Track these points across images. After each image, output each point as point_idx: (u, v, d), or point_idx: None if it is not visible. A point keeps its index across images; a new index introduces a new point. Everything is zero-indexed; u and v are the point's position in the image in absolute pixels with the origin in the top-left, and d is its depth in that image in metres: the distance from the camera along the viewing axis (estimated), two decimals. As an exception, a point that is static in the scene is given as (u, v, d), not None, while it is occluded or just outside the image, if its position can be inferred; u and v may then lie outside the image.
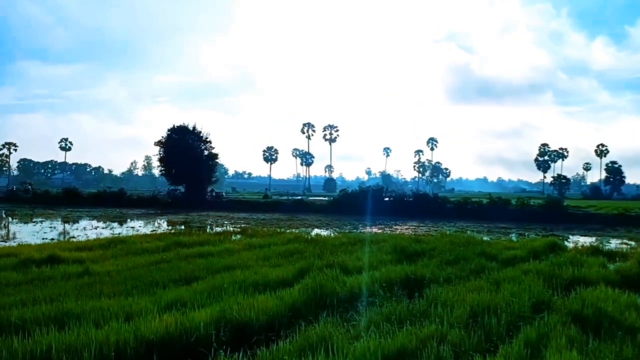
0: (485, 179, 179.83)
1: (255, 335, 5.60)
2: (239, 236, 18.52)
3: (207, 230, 24.13)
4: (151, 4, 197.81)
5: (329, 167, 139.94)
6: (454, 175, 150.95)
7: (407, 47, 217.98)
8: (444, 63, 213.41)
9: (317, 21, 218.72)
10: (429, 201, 39.55)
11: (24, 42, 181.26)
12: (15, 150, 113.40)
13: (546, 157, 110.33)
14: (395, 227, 26.60)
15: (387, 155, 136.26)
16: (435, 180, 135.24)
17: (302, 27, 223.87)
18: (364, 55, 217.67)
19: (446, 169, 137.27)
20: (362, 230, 23.69)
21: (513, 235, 24.35)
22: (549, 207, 35.98)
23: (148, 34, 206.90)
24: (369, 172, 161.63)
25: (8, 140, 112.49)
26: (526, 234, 24.84)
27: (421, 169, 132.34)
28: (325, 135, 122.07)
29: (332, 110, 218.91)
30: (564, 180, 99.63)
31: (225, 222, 29.64)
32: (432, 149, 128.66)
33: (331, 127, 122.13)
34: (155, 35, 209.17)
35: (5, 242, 18.84)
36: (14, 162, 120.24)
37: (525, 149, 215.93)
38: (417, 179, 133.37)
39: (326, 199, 50.84)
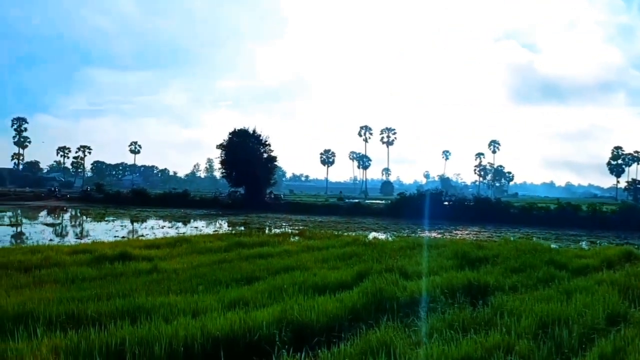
0: (552, 184, 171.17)
1: (316, 337, 5.64)
2: (297, 238, 18.77)
3: (266, 231, 24.63)
4: (209, 11, 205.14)
5: (386, 170, 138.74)
6: (517, 180, 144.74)
7: (466, 46, 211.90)
8: (505, 62, 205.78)
9: (372, 23, 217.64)
10: (491, 206, 38.25)
11: (93, 51, 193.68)
12: (90, 152, 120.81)
13: (619, 161, 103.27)
14: (455, 232, 25.92)
15: (446, 159, 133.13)
16: (497, 185, 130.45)
17: (356, 29, 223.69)
18: (421, 56, 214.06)
19: (509, 172, 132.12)
20: (421, 235, 23.28)
21: (583, 243, 23.04)
22: (623, 213, 33.74)
23: (208, 40, 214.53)
24: (427, 176, 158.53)
25: (83, 144, 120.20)
26: (598, 242, 23.41)
27: (482, 173, 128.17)
28: (382, 138, 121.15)
29: (389, 113, 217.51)
30: (639, 185, 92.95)
31: (284, 224, 30.10)
32: (494, 151, 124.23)
33: (389, 129, 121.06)
34: (215, 42, 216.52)
35: (81, 239, 20.16)
36: (88, 164, 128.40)
37: (595, 152, 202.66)
38: (477, 183, 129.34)
39: (383, 202, 50.41)
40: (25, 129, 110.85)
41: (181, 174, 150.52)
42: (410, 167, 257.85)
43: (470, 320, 6.24)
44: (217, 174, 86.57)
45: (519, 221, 33.86)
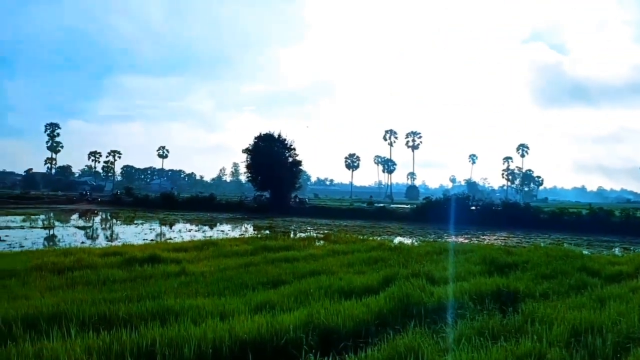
0: (583, 188, 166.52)
1: (343, 341, 5.63)
2: (322, 242, 18.78)
3: (291, 235, 24.72)
4: (233, 17, 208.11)
5: (412, 175, 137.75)
6: (547, 184, 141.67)
7: (492, 48, 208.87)
8: (533, 64, 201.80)
9: (396, 25, 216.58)
10: (520, 211, 37.49)
11: (121, 58, 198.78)
12: (120, 157, 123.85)
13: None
14: (482, 238, 25.49)
15: (473, 163, 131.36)
16: (525, 189, 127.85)
17: (381, 32, 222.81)
18: (447, 59, 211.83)
19: (538, 177, 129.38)
20: (447, 240, 22.98)
21: (617, 249, 22.35)
22: (659, 219, 32.57)
23: (232, 46, 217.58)
24: (453, 180, 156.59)
25: (113, 148, 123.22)
26: (632, 248, 22.66)
27: (510, 177, 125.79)
28: (407, 142, 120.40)
29: (415, 117, 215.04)
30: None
31: (309, 228, 30.16)
32: (522, 155, 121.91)
33: (414, 133, 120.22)
34: (239, 47, 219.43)
35: (111, 242, 20.63)
36: (118, 168, 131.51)
37: (627, 155, 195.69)
38: (505, 188, 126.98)
39: (409, 206, 50.00)
40: (58, 134, 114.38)
41: (207, 178, 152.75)
42: (436, 171, 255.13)
43: (500, 327, 6.12)
44: (243, 178, 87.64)
45: (549, 227, 33.08)
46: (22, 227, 26.46)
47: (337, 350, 5.39)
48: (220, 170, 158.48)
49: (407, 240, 21.67)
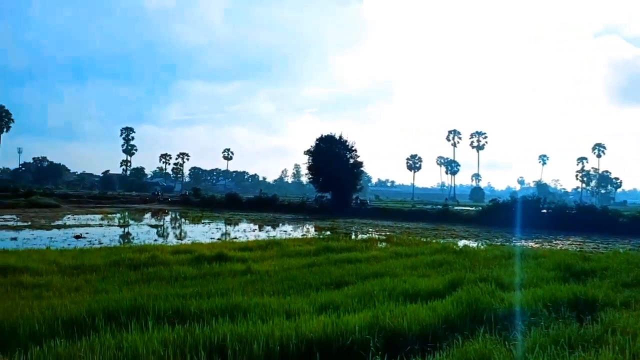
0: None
1: (409, 345, 5.54)
2: (384, 244, 18.62)
3: (353, 236, 24.68)
4: (293, 21, 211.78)
5: (476, 176, 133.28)
6: (626, 186, 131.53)
7: (562, 43, 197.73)
8: (607, 59, 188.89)
9: (458, 22, 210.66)
10: (596, 215, 35.15)
11: (186, 65, 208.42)
12: (188, 159, 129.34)
13: None
14: (554, 242, 24.18)
15: (543, 163, 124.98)
16: (602, 192, 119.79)
17: (442, 30, 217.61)
18: (514, 56, 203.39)
19: (616, 178, 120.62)
20: (516, 244, 22.02)
21: None
22: None
23: (293, 49, 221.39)
24: (521, 182, 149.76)
25: (182, 151, 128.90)
26: None
27: (585, 179, 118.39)
28: (472, 142, 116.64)
29: (479, 116, 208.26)
30: None
31: (370, 230, 29.99)
32: (598, 156, 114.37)
33: (479, 133, 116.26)
34: (299, 51, 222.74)
35: (181, 240, 21.57)
36: (186, 170, 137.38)
37: None
38: (579, 190, 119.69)
39: (474, 209, 48.40)
40: (133, 138, 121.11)
41: (270, 179, 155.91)
42: (502, 172, 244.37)
43: (578, 336, 5.78)
44: (304, 179, 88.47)
45: (630, 232, 30.77)
46: (100, 225, 28.29)
47: (404, 354, 5.31)
48: (282, 171, 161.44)
49: (473, 244, 20.97)
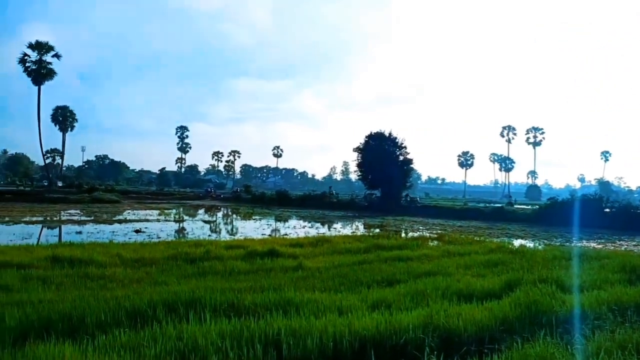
0: None
1: (465, 346, 5.42)
2: (435, 242, 18.30)
3: (403, 234, 24.40)
4: (338, 18, 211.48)
5: (532, 173, 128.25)
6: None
7: (621, 31, 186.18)
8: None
9: (512, 11, 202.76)
10: (666, 214, 32.96)
11: (234, 64, 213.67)
12: (239, 156, 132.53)
13: None
14: (619, 243, 22.88)
15: (606, 160, 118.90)
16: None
17: (495, 20, 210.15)
18: (571, 46, 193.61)
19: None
20: (577, 244, 21.02)
21: None
22: None
23: (339, 47, 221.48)
24: (581, 179, 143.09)
25: (233, 149, 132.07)
26: None
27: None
28: (528, 138, 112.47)
29: (536, 111, 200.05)
30: None
31: (420, 228, 29.54)
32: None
33: (535, 129, 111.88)
34: (345, 48, 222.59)
35: (233, 235, 22.11)
36: (237, 167, 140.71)
37: None
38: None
39: (530, 207, 46.58)
40: (187, 136, 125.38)
41: (319, 176, 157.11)
42: (560, 170, 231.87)
43: (647, 343, 5.45)
44: (353, 176, 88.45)
45: None
46: (158, 220, 29.46)
47: (460, 355, 5.20)
48: (331, 168, 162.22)
49: (530, 244, 20.20)
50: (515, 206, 50.33)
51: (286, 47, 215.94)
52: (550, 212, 36.98)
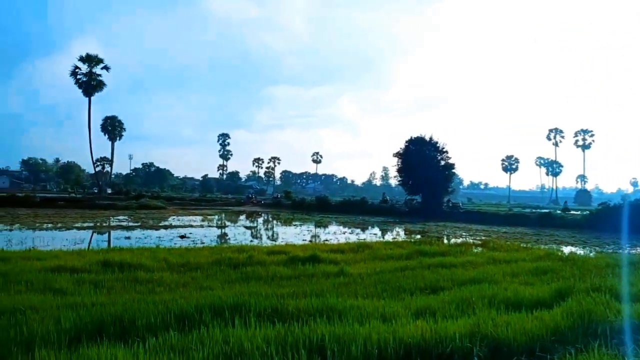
0: None
1: (514, 356, 5.25)
2: (479, 249, 17.86)
3: (445, 240, 23.94)
4: (372, 24, 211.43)
5: (582, 178, 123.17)
6: None
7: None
8: None
9: (559, 10, 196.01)
10: None
11: (272, 72, 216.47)
12: (279, 163, 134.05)
13: None
14: (678, 250, 21.60)
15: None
16: None
17: (539, 19, 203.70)
18: (621, 45, 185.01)
19: None
20: (632, 251, 20.01)
21: None
22: None
23: (375, 52, 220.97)
24: (634, 184, 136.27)
25: (273, 155, 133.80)
26: None
27: None
28: (576, 141, 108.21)
29: (585, 113, 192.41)
30: None
31: (463, 234, 28.89)
32: None
33: (584, 131, 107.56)
34: (382, 53, 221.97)
35: (274, 241, 22.32)
36: (277, 173, 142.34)
37: None
38: None
39: (579, 213, 44.74)
40: (228, 144, 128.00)
41: (358, 182, 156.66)
42: (612, 174, 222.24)
43: None
44: (393, 181, 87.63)
45: None
46: (201, 226, 30.13)
47: (510, 365, 5.05)
48: (371, 174, 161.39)
49: (580, 251, 19.40)
50: (559, 211, 48.41)
51: (322, 54, 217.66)
52: (602, 217, 35.39)
